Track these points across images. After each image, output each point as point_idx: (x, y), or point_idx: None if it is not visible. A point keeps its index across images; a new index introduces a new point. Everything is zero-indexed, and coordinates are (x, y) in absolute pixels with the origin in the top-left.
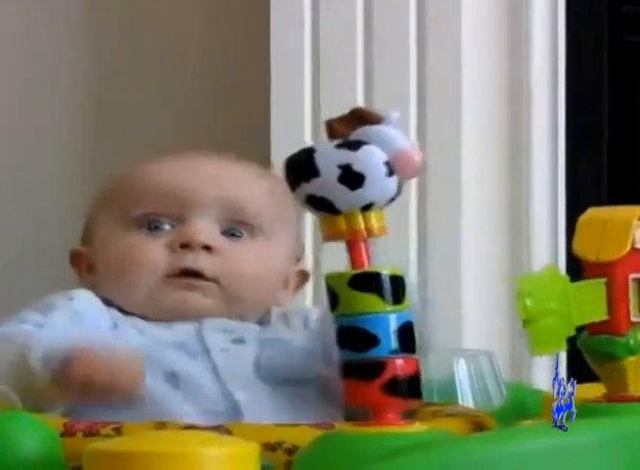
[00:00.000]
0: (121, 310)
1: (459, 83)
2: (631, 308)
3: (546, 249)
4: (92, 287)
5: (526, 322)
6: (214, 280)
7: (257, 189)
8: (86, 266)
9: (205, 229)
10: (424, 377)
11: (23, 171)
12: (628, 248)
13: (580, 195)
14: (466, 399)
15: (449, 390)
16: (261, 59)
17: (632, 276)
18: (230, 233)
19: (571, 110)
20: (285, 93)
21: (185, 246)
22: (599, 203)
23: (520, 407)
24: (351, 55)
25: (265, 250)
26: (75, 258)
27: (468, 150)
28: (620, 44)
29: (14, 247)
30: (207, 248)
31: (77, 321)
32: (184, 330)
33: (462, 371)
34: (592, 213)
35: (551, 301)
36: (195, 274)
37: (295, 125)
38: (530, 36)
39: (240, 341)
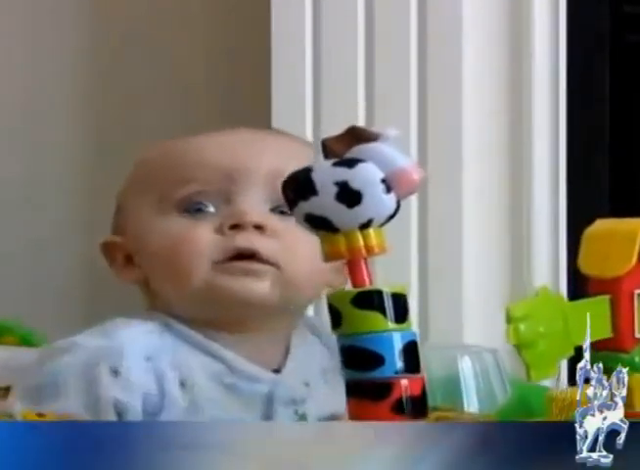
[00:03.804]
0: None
1: (460, 92)
2: (636, 325)
3: (547, 249)
4: (135, 283)
5: (521, 347)
6: (272, 263)
7: (306, 162)
8: (124, 258)
9: (255, 207)
10: (427, 374)
11: (22, 171)
12: (634, 262)
13: (581, 198)
14: (470, 397)
15: (453, 387)
16: (262, 67)
17: (638, 291)
18: (279, 211)
19: (572, 111)
20: (286, 102)
21: (235, 226)
22: (600, 205)
23: (523, 405)
24: (352, 62)
25: None
26: (110, 251)
27: (469, 158)
28: (622, 44)
29: (14, 247)
30: (260, 227)
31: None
32: (250, 397)
33: (466, 368)
34: (596, 227)
35: (545, 323)
36: (250, 257)
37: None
38: (531, 38)
39: (302, 417)
